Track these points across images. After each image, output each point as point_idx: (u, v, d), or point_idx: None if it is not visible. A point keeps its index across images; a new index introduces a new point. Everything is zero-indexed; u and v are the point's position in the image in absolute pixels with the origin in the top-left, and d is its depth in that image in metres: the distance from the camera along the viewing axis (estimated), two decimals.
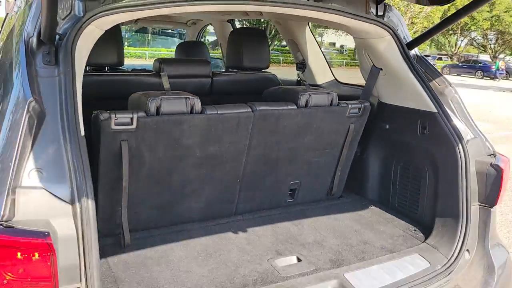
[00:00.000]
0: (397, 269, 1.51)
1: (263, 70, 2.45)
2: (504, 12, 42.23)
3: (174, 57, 3.31)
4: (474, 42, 44.65)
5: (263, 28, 12.37)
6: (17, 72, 1.17)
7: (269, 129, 1.75)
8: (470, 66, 31.30)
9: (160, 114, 1.50)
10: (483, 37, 46.36)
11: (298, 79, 2.75)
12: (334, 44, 40.30)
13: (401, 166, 1.94)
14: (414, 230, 1.80)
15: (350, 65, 28.19)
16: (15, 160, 1.02)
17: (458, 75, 30.21)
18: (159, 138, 1.54)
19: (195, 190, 1.72)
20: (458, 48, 46.17)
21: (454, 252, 1.57)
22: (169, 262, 1.48)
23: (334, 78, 2.65)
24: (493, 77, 27.40)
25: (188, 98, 1.55)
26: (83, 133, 1.15)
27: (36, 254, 0.95)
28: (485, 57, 40.97)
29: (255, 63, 2.35)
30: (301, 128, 1.82)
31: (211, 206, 1.80)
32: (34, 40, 1.20)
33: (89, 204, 1.04)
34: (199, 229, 1.72)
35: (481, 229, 1.61)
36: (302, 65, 2.67)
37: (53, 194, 1.04)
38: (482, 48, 43.83)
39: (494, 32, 44.94)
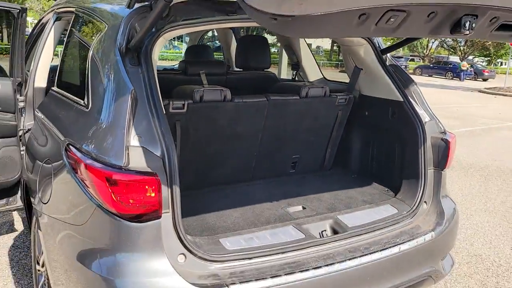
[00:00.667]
0: (374, 214, 2.09)
1: (265, 70, 3.01)
2: None
3: (183, 58, 3.85)
4: (444, 44, 46.19)
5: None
6: (115, 70, 1.68)
7: (279, 114, 2.30)
8: (441, 67, 32.50)
9: (203, 101, 2.04)
10: (453, 39, 47.91)
11: (293, 77, 3.32)
12: (310, 45, 41.11)
13: (377, 143, 2.53)
14: (387, 190, 2.39)
15: (327, 66, 28.65)
16: (125, 129, 1.54)
17: (429, 75, 31.42)
18: (201, 119, 2.07)
19: (224, 160, 2.27)
20: (430, 50, 47.67)
21: (415, 203, 2.15)
22: (211, 210, 2.02)
23: (322, 76, 3.24)
24: (455, 77, 28.50)
25: (222, 90, 2.09)
26: (164, 111, 1.67)
27: (150, 187, 1.47)
28: (455, 59, 42.51)
29: (259, 64, 2.91)
30: (302, 114, 2.38)
31: (235, 172, 2.35)
32: (123, 48, 1.71)
33: (174, 157, 1.56)
34: (227, 189, 2.27)
35: (435, 186, 2.20)
36: (296, 66, 3.25)
37: (149, 151, 1.56)
38: (452, 50, 45.41)
39: None
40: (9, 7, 2.92)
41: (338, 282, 1.69)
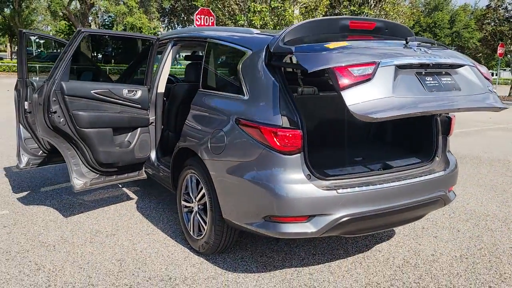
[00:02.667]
0: (407, 161, 3.40)
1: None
2: (463, 29, 45.63)
3: None
4: None
5: None
6: (264, 75, 2.98)
7: (343, 103, 3.63)
8: None
9: (303, 94, 3.36)
10: None
11: None
12: None
13: (404, 121, 3.86)
14: (413, 149, 3.69)
15: None
16: (278, 107, 2.83)
17: None
18: (301, 105, 3.39)
19: (312, 130, 3.58)
20: None
21: (431, 156, 3.45)
22: (312, 157, 3.31)
23: None
24: None
25: (313, 87, 3.42)
26: (293, 97, 2.96)
27: (296, 136, 2.77)
28: None
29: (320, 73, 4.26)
30: None
31: (317, 138, 3.67)
32: (266, 63, 3.02)
33: (304, 122, 2.85)
34: (315, 148, 3.58)
35: (443, 146, 3.51)
36: None
37: (291, 118, 2.85)
38: None
39: (455, 47, 48.31)
40: (149, 38, 4.27)
41: (391, 192, 2.98)
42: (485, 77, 3.09)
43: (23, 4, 29.71)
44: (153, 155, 4.35)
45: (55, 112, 3.62)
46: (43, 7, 29.00)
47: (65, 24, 39.79)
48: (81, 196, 4.85)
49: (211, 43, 3.70)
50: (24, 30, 4.20)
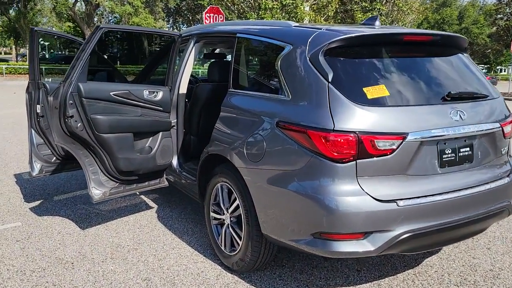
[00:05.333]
0: None
1: None
2: (472, 24, 45.13)
3: None
4: None
5: None
6: (310, 72, 2.61)
7: None
8: None
9: None
10: None
11: None
12: None
13: None
14: None
15: None
16: (328, 107, 2.48)
17: None
18: None
19: None
20: None
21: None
22: None
23: None
24: None
25: None
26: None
27: (352, 142, 2.41)
28: None
29: None
30: None
31: None
32: (310, 59, 2.67)
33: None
34: None
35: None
36: None
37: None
38: None
39: None
40: (172, 34, 3.93)
41: (454, 203, 2.62)
42: (505, 137, 2.96)
43: (28, 5, 29.50)
44: (174, 161, 4.01)
45: (72, 116, 3.29)
46: (48, 9, 28.77)
47: (69, 26, 39.55)
48: (98, 205, 4.52)
49: (242, 38, 3.34)
50: (36, 28, 3.88)
